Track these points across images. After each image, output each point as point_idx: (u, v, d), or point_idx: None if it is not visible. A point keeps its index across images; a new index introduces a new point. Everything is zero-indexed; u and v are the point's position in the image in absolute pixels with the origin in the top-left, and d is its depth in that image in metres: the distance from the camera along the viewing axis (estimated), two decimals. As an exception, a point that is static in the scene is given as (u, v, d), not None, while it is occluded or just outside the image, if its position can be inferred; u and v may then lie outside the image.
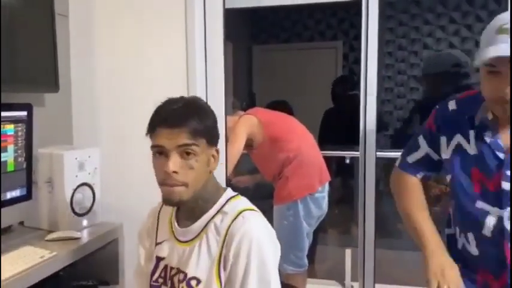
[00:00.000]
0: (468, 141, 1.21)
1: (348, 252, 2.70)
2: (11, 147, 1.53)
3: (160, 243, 1.17)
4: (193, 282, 1.06)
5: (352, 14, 4.62)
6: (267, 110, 2.50)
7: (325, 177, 2.36)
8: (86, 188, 1.69)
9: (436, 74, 2.60)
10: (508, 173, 1.14)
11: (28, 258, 1.35)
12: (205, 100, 2.10)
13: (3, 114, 1.49)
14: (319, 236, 2.90)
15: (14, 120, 1.53)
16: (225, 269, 1.04)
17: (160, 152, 1.04)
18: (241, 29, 4.91)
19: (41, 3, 1.79)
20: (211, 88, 2.13)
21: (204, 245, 1.08)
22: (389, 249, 3.14)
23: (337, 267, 2.82)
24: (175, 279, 1.11)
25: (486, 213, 1.18)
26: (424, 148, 1.36)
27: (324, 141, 3.31)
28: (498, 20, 1.08)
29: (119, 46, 2.12)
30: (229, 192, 1.15)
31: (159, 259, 1.16)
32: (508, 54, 1.01)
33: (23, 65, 1.71)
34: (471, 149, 1.21)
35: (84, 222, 1.68)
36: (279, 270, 2.28)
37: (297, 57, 4.88)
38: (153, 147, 1.06)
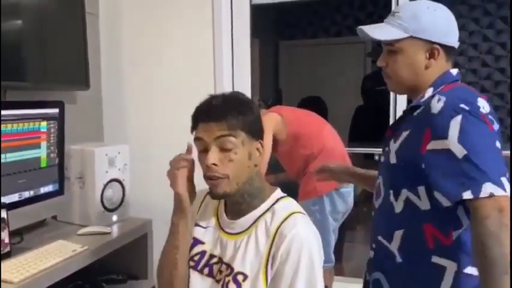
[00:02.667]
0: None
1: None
2: (44, 144, 1.57)
3: (202, 226, 1.17)
4: (240, 277, 1.06)
5: (381, 8, 4.52)
6: (290, 107, 2.48)
7: (351, 172, 2.33)
8: (116, 183, 1.72)
9: None
10: (386, 148, 1.18)
11: (61, 252, 1.39)
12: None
13: (36, 111, 1.54)
14: (346, 233, 2.86)
15: (47, 118, 1.57)
16: (272, 267, 1.04)
17: (202, 149, 1.06)
18: (268, 24, 4.89)
19: (71, 3, 1.83)
20: (238, 85, 2.13)
21: (252, 241, 1.08)
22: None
23: (365, 265, 2.78)
24: (215, 268, 1.12)
25: None
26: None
27: (354, 138, 3.26)
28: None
29: (147, 44, 2.15)
30: (279, 191, 1.15)
31: (196, 241, 1.15)
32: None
33: (54, 63, 1.76)
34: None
35: (114, 218, 1.72)
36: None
37: (324, 52, 4.82)
38: (195, 140, 1.08)
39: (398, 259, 1.13)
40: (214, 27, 2.05)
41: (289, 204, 1.12)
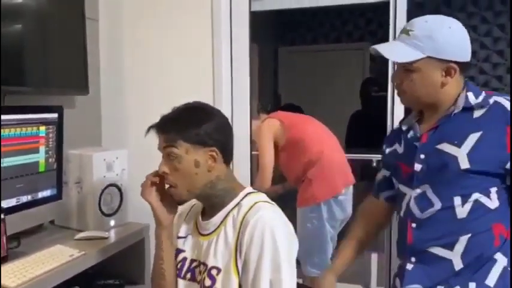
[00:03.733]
0: (400, 145, 1.27)
1: (374, 256, 2.66)
2: (42, 149, 1.58)
3: (182, 237, 1.23)
4: (214, 272, 1.10)
5: (380, 15, 4.54)
6: (289, 112, 2.48)
7: (349, 179, 2.33)
8: (114, 188, 1.72)
9: None
10: (421, 156, 1.17)
11: (58, 257, 1.39)
12: (230, 102, 2.12)
13: (36, 116, 1.54)
14: (344, 239, 2.86)
15: (46, 122, 1.58)
16: (240, 256, 1.08)
17: None
18: (267, 30, 4.91)
19: (72, 8, 1.84)
20: (237, 90, 2.14)
21: (222, 236, 1.12)
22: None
23: (363, 271, 2.78)
24: (196, 271, 1.16)
25: (403, 195, 1.23)
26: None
27: (351, 144, 3.26)
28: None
29: (146, 49, 2.16)
30: (249, 189, 1.19)
31: (179, 251, 1.21)
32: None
33: (54, 68, 1.76)
34: (400, 148, 1.27)
35: (112, 222, 1.72)
36: (303, 273, 2.27)
37: (323, 58, 4.83)
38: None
39: (459, 265, 1.13)
40: (213, 32, 2.06)
41: (256, 196, 1.15)
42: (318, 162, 2.22)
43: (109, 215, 1.71)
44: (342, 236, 2.63)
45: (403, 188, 1.24)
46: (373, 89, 3.59)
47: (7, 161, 1.43)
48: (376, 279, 2.64)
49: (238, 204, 1.13)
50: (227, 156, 1.16)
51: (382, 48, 1.17)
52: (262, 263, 1.03)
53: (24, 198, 1.52)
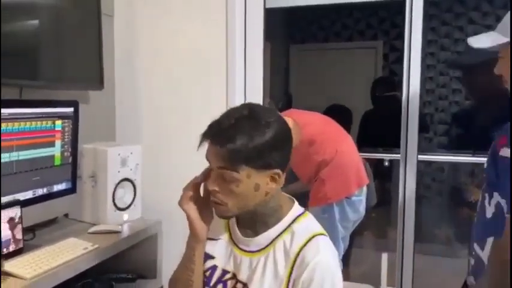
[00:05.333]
0: None
1: (385, 256, 2.65)
2: (58, 142, 1.59)
3: (212, 239, 1.12)
4: None
5: (394, 13, 4.51)
6: (303, 111, 2.46)
7: (363, 180, 2.31)
8: (128, 183, 1.74)
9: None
10: None
11: (72, 249, 1.41)
12: (243, 100, 2.12)
13: (52, 110, 1.56)
14: (354, 238, 2.85)
15: (62, 116, 1.60)
16: None
17: (210, 167, 1.02)
18: (279, 28, 4.90)
19: (88, 4, 1.85)
20: (250, 88, 2.15)
21: (270, 263, 1.04)
22: (425, 254, 3.06)
23: (373, 271, 2.77)
24: (229, 284, 1.08)
25: None
26: None
27: (363, 143, 3.25)
28: None
29: (160, 45, 2.17)
30: (297, 207, 1.09)
31: (207, 256, 1.11)
32: None
33: (70, 63, 1.78)
34: None
35: (125, 217, 1.73)
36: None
37: (335, 57, 4.82)
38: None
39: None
40: (227, 29, 2.06)
41: (310, 223, 1.07)
42: (332, 161, 2.19)
43: (122, 210, 1.72)
44: (353, 235, 2.63)
45: None
46: (385, 88, 3.58)
47: (24, 154, 1.45)
48: (386, 279, 2.62)
49: (288, 228, 1.04)
50: (286, 169, 1.05)
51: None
52: None
53: (40, 191, 1.54)
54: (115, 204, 1.69)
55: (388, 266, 2.60)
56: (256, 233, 1.06)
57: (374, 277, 2.74)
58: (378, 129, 3.38)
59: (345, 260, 2.54)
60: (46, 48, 1.66)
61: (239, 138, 0.95)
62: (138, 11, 2.17)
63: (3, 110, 1.36)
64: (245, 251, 1.07)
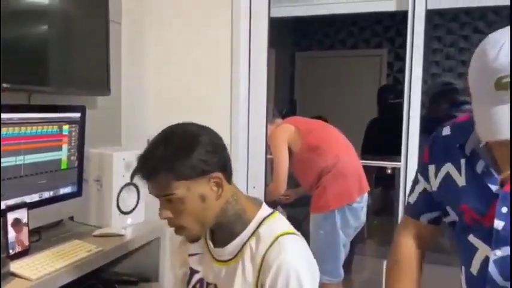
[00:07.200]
0: (459, 172, 0.98)
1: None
2: (65, 147, 1.62)
3: (193, 254, 1.16)
4: None
5: (398, 22, 4.54)
6: (305, 118, 2.50)
7: (364, 187, 2.33)
8: (132, 187, 1.76)
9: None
10: (504, 209, 0.90)
11: (77, 252, 1.43)
12: (247, 106, 2.15)
13: (60, 115, 1.59)
14: (356, 246, 2.86)
15: (69, 121, 1.62)
16: None
17: None
18: (284, 35, 4.94)
19: (96, 11, 1.88)
20: (254, 95, 2.17)
21: (239, 269, 1.05)
22: (428, 263, 3.04)
23: (375, 278, 2.77)
24: None
25: (475, 249, 0.97)
26: (421, 182, 1.09)
27: (367, 151, 3.26)
28: (493, 64, 0.77)
29: (166, 52, 2.20)
30: (263, 209, 1.08)
31: (193, 271, 1.15)
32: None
33: (78, 69, 1.81)
34: (460, 180, 0.98)
35: (129, 221, 1.76)
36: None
37: (340, 64, 4.84)
38: None
39: None
40: (233, 38, 2.10)
41: (275, 224, 1.05)
42: (333, 168, 2.21)
43: (126, 213, 1.74)
44: (355, 243, 2.64)
45: (472, 239, 0.98)
46: (389, 96, 3.59)
47: (31, 158, 1.48)
48: (388, 286, 2.62)
49: (255, 232, 1.04)
50: (229, 173, 1.04)
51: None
52: None
53: (47, 194, 1.57)
54: (119, 208, 1.71)
55: (390, 273, 2.60)
56: (226, 242, 1.07)
57: (376, 284, 2.74)
58: (383, 136, 3.39)
59: (347, 267, 2.55)
60: (55, 54, 1.69)
61: (163, 165, 0.96)
62: (145, 18, 2.21)
63: (13, 115, 1.39)
64: (220, 261, 1.09)
